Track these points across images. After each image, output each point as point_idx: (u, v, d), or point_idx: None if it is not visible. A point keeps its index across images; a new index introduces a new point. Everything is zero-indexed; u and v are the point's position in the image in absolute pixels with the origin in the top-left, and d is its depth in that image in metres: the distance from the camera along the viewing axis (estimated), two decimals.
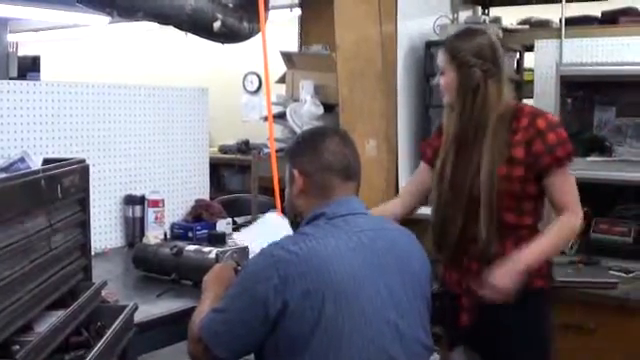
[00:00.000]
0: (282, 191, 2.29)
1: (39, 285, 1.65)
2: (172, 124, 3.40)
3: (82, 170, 1.94)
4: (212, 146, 5.19)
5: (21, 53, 6.50)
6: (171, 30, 3.87)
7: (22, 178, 1.63)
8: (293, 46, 4.60)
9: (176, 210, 3.38)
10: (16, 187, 1.57)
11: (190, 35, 3.93)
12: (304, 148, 1.95)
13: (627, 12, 3.70)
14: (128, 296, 2.30)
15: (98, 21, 5.35)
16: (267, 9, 3.83)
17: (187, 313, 2.02)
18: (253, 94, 6.95)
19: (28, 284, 1.60)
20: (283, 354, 1.73)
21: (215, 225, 3.26)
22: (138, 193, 3.20)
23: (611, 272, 3.01)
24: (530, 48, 3.80)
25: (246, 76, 7.51)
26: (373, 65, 3.68)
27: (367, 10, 3.65)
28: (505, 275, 2.22)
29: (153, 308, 2.25)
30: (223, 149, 6.79)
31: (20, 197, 1.58)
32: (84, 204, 1.97)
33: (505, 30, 3.89)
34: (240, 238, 3.04)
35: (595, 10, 3.85)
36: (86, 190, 1.97)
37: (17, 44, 6.65)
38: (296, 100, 3.77)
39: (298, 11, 4.83)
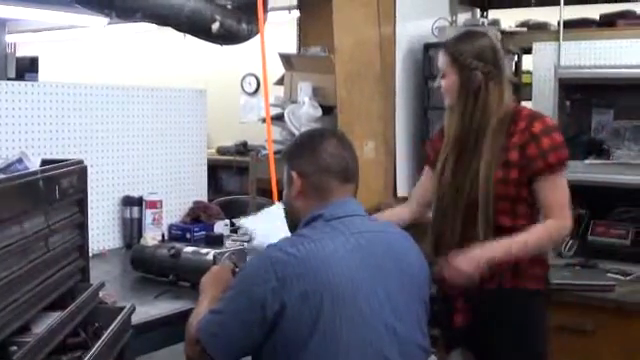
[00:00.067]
0: (280, 193, 2.29)
1: (37, 286, 1.65)
2: (170, 125, 3.40)
3: (80, 171, 1.94)
4: (210, 147, 5.18)
5: (19, 54, 6.49)
6: (169, 31, 3.87)
7: (20, 179, 1.62)
8: (291, 48, 4.60)
9: (174, 211, 3.38)
10: (14, 188, 1.56)
11: (188, 36, 3.94)
12: (302, 150, 1.95)
13: (625, 15, 3.70)
14: (126, 297, 2.30)
15: (96, 22, 5.34)
16: (266, 11, 3.83)
17: (185, 314, 2.02)
18: (251, 95, 6.96)
19: (26, 285, 1.59)
20: (281, 356, 1.73)
21: (213, 227, 3.26)
22: (136, 194, 3.20)
23: (609, 275, 3.01)
24: (528, 51, 3.81)
25: (244, 78, 7.56)
26: (371, 67, 3.68)
27: (366, 12, 3.66)
28: (468, 261, 2.23)
29: (151, 309, 2.25)
30: (221, 150, 6.80)
31: (18, 198, 1.58)
32: (82, 205, 1.96)
33: (503, 32, 3.88)
34: (245, 225, 3.02)
35: (593, 13, 3.85)
36: (84, 191, 1.97)
37: (15, 45, 6.64)
38: (294, 102, 3.77)
39: (297, 13, 4.83)
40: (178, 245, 2.65)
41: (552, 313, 2.46)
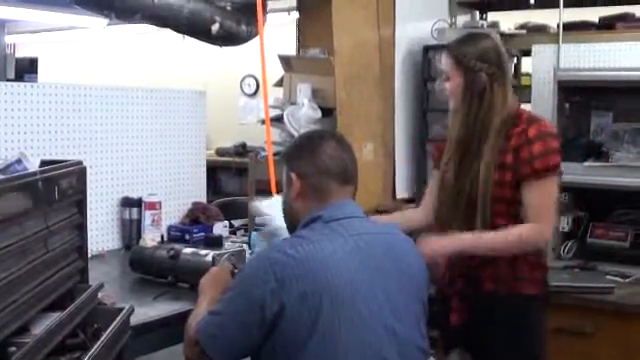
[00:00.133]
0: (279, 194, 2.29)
1: (36, 287, 1.65)
2: (169, 126, 3.40)
3: (79, 172, 1.94)
4: (209, 149, 5.19)
5: (19, 55, 6.48)
6: (169, 32, 3.87)
7: (19, 180, 1.63)
8: (291, 49, 4.59)
9: (173, 213, 3.38)
10: (13, 189, 1.57)
11: (188, 37, 3.93)
12: (301, 151, 1.95)
13: (624, 18, 3.70)
14: (124, 298, 2.30)
15: (96, 23, 5.34)
16: (265, 12, 3.82)
17: (184, 316, 2.03)
18: (251, 97, 6.96)
19: (25, 286, 1.59)
20: (280, 357, 1.73)
21: (212, 228, 3.26)
22: (135, 195, 3.20)
23: (608, 277, 3.01)
24: (527, 53, 3.80)
25: (244, 79, 7.57)
26: (371, 69, 3.68)
27: (365, 14, 3.66)
28: (439, 244, 2.25)
29: (150, 311, 2.25)
30: (220, 152, 6.81)
31: (17, 199, 1.58)
32: (81, 206, 1.97)
33: (503, 35, 3.88)
34: (263, 208, 2.99)
35: (593, 15, 3.85)
36: (83, 192, 1.97)
37: (15, 46, 6.63)
38: (293, 103, 3.76)
39: (296, 14, 4.82)
40: (177, 246, 2.65)
41: (551, 315, 2.46)
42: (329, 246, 1.77)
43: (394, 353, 1.77)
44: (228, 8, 3.84)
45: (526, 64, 3.91)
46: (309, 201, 1.91)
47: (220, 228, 3.28)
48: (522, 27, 4.01)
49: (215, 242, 3.09)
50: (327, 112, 3.62)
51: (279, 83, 4.06)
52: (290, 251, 1.74)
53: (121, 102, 3.19)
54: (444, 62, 2.42)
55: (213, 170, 5.78)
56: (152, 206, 3.17)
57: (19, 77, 5.69)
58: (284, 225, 2.04)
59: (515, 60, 3.96)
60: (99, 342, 1.69)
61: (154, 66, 7.54)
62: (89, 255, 2.11)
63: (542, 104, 3.48)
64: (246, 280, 1.79)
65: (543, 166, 2.27)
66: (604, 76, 3.31)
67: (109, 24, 5.30)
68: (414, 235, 2.27)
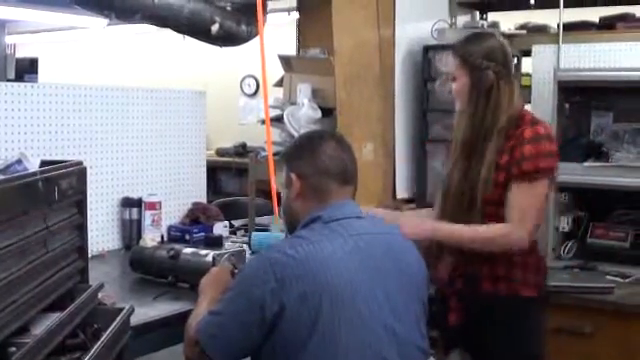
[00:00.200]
0: (279, 194, 2.29)
1: (36, 287, 1.65)
2: (170, 127, 3.40)
3: (79, 172, 1.94)
4: (209, 149, 5.19)
5: (19, 55, 6.48)
6: (169, 33, 3.87)
7: (19, 180, 1.62)
8: (291, 49, 4.59)
9: (173, 213, 3.38)
10: (13, 189, 1.56)
11: (188, 38, 3.94)
12: (301, 151, 1.95)
13: (625, 18, 3.70)
14: (125, 298, 2.30)
15: (96, 23, 5.34)
16: (265, 12, 3.82)
17: (184, 316, 2.03)
18: (251, 97, 6.96)
19: (25, 286, 1.59)
20: (279, 357, 1.73)
21: (212, 228, 3.26)
22: (135, 195, 3.20)
23: (608, 277, 3.01)
24: (528, 53, 3.81)
25: (244, 79, 7.57)
26: (371, 69, 3.68)
27: (365, 14, 3.65)
28: (417, 228, 2.27)
29: (150, 311, 2.25)
30: (220, 152, 6.81)
31: (17, 199, 1.58)
32: (81, 206, 1.96)
33: (503, 35, 3.88)
34: None
35: (593, 16, 3.85)
36: (83, 192, 1.97)
37: (15, 46, 6.63)
38: (293, 103, 3.76)
39: (296, 14, 4.82)
40: (177, 246, 2.65)
41: (551, 315, 2.46)
42: (329, 246, 1.78)
43: (394, 353, 1.77)
44: (228, 8, 3.84)
45: (526, 64, 3.91)
46: (309, 201, 1.91)
47: (220, 228, 3.28)
48: (522, 27, 4.01)
49: (215, 242, 3.09)
50: (327, 112, 3.62)
51: (279, 83, 4.06)
52: (290, 251, 1.75)
53: (121, 102, 3.19)
54: (450, 62, 2.42)
55: (213, 170, 5.79)
56: (152, 206, 3.17)
57: (19, 77, 5.70)
58: None
59: (515, 60, 3.95)
60: (99, 342, 1.69)
61: (154, 66, 7.54)
62: (89, 255, 2.11)
63: (542, 104, 3.48)
64: (246, 280, 1.79)
65: (532, 168, 2.25)
66: (604, 76, 3.31)
67: (109, 24, 5.30)
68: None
